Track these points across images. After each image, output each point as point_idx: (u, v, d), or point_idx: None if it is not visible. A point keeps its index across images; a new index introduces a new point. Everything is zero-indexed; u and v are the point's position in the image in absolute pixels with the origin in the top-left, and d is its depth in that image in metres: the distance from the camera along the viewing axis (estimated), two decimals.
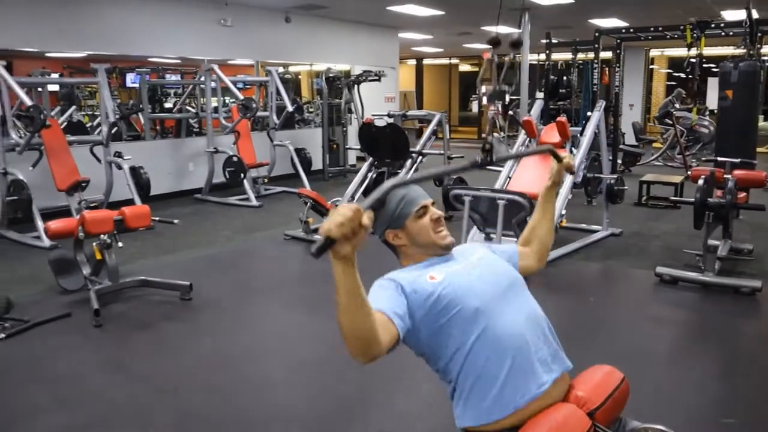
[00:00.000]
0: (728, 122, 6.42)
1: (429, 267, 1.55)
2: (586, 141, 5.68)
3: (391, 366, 3.27)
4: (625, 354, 3.32)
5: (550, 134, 5.86)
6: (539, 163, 5.75)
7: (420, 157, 6.93)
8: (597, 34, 8.38)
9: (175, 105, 10.35)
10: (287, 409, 2.82)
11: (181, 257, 5.35)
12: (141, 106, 8.49)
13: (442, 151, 7.10)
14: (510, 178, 5.72)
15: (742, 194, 5.12)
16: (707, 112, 11.59)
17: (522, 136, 6.09)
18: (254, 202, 7.57)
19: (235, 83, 8.15)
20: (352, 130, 10.44)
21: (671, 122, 10.79)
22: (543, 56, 9.14)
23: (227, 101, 9.76)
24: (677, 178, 7.72)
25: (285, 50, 9.86)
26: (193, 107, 10.11)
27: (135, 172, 6.60)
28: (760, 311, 4.04)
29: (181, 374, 3.17)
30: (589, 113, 6.20)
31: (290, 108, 8.32)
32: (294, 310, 4.20)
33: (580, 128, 5.98)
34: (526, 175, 5.64)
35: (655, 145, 12.69)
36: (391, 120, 7.83)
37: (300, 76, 13.06)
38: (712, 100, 10.27)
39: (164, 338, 3.66)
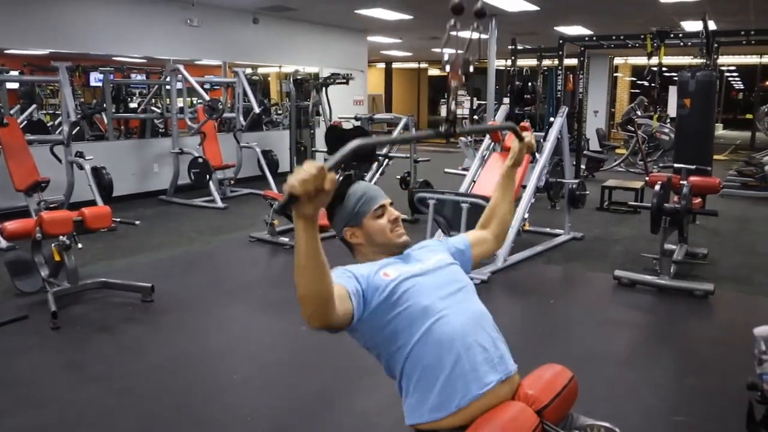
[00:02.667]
0: (686, 130, 6.59)
1: (384, 265, 1.56)
2: (548, 146, 5.78)
3: (353, 366, 3.30)
4: (581, 355, 3.39)
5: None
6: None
7: (386, 160, 6.98)
8: (561, 41, 8.54)
9: (140, 105, 10.21)
10: (250, 411, 2.81)
11: (144, 259, 5.28)
12: (104, 105, 8.36)
13: (408, 155, 7.15)
14: (474, 181, 5.80)
15: (698, 200, 5.28)
16: (668, 120, 11.89)
17: (487, 140, 6.17)
18: (220, 203, 7.51)
19: (201, 84, 8.09)
20: (320, 133, 10.42)
21: (633, 129, 11.03)
22: (509, 62, 9.27)
23: (194, 102, 9.67)
24: (638, 184, 7.89)
25: (253, 51, 9.82)
26: (158, 107, 9.99)
27: (97, 172, 6.50)
28: (712, 313, 4.17)
29: (142, 376, 3.14)
30: (552, 119, 6.31)
31: (257, 110, 8.29)
32: (258, 312, 4.18)
33: (543, 133, 6.08)
34: (491, 179, 5.71)
35: (618, 151, 12.96)
36: (357, 123, 7.86)
37: (269, 78, 13.00)
38: (674, 109, 10.54)
39: (125, 340, 3.61)
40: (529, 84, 8.81)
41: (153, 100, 10.04)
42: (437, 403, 1.45)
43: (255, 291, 4.60)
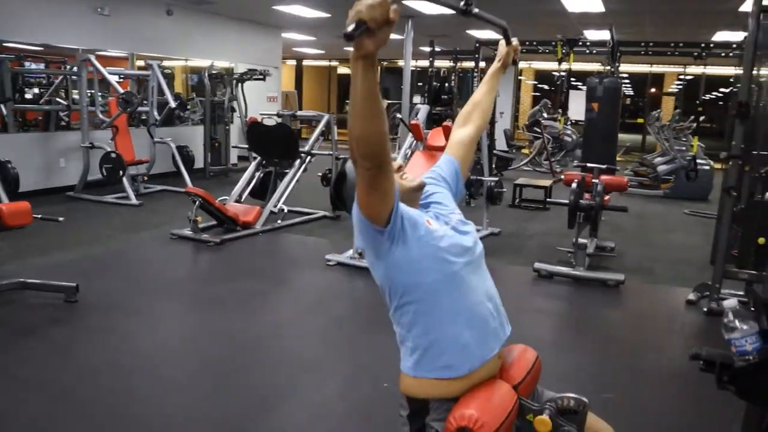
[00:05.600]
0: (594, 132, 7.04)
1: (427, 215, 1.58)
2: None
3: (294, 362, 3.33)
4: (507, 342, 3.58)
5: (436, 138, 6.15)
6: (427, 162, 6.02)
7: (309, 157, 6.99)
8: (477, 45, 8.87)
9: (37, 96, 9.62)
10: (191, 410, 2.78)
11: (60, 258, 5.03)
12: (6, 96, 7.82)
13: (330, 152, 7.20)
14: None
15: (606, 197, 5.68)
16: (569, 122, 12.61)
17: (409, 138, 6.33)
18: (134, 200, 7.24)
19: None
20: (235, 129, 10.27)
21: (540, 130, 11.61)
22: (427, 63, 9.50)
23: (103, 95, 9.24)
24: (546, 182, 8.36)
25: (164, 44, 9.50)
26: (63, 99, 9.47)
27: (2, 166, 6.10)
28: (624, 301, 4.53)
29: (74, 380, 3.01)
30: None
31: (173, 104, 8.04)
32: (188, 311, 4.11)
33: None
34: (414, 173, 5.86)
35: (523, 151, 13.59)
36: (280, 120, 7.82)
37: (173, 71, 12.59)
38: (575, 111, 11.18)
39: (52, 343, 3.44)
40: (446, 85, 9.08)
41: (57, 92, 9.49)
42: (451, 364, 1.49)
43: (183, 289, 4.51)
